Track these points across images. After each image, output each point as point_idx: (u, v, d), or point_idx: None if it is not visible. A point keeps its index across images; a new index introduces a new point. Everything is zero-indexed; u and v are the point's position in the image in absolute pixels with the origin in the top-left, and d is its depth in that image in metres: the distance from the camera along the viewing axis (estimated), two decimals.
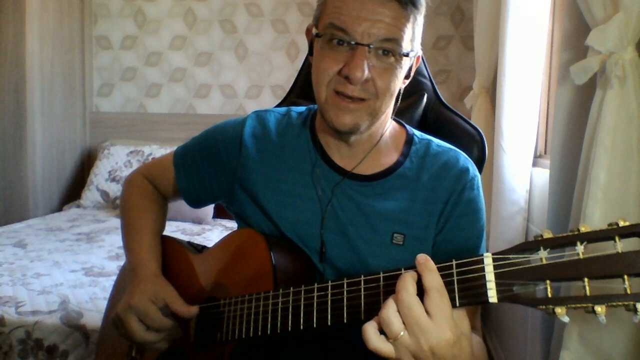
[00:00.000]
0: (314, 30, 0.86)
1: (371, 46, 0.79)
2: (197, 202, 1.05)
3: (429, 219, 0.88)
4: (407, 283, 0.62)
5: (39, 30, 3.01)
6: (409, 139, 0.95)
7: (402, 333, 0.61)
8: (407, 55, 0.82)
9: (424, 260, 0.63)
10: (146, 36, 3.47)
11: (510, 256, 0.60)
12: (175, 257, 1.03)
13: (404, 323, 0.61)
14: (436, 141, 0.95)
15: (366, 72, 0.79)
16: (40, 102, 3.05)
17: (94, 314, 1.52)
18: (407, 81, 0.90)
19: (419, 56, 0.90)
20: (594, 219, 0.89)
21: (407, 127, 0.98)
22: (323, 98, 0.85)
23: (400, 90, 0.90)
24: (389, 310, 0.61)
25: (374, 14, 0.79)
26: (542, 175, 1.66)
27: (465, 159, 0.93)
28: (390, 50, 0.80)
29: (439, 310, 0.61)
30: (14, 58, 2.92)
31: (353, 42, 0.79)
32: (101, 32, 3.51)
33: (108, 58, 3.52)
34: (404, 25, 0.80)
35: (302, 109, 1.01)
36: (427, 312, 0.60)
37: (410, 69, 0.88)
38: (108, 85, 3.54)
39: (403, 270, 0.68)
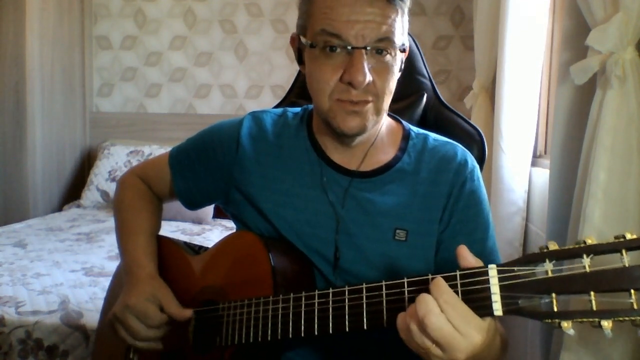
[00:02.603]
0: (303, 40, 0.85)
1: (368, 48, 0.79)
2: (193, 204, 1.05)
3: (430, 213, 0.88)
4: (433, 308, 0.61)
5: (39, 30, 3.00)
6: (406, 134, 0.95)
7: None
8: (403, 50, 0.83)
9: (434, 283, 0.63)
10: (146, 36, 3.47)
11: (515, 268, 0.60)
12: (171, 258, 1.03)
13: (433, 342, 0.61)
14: (433, 135, 0.96)
15: (368, 75, 0.79)
16: (40, 102, 3.05)
17: (94, 314, 1.51)
18: (399, 74, 0.90)
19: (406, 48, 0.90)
20: (594, 218, 0.89)
21: (404, 122, 0.98)
22: (326, 107, 0.84)
23: None
24: (417, 337, 0.62)
25: (365, 14, 0.78)
26: (543, 175, 1.66)
27: (463, 151, 0.93)
28: (386, 48, 0.80)
29: (464, 324, 0.61)
30: (14, 58, 2.92)
31: (349, 47, 0.79)
32: (101, 32, 3.51)
33: (108, 58, 3.52)
34: (394, 20, 0.80)
35: (298, 109, 1.01)
36: (452, 325, 0.61)
37: (401, 62, 0.88)
38: (108, 85, 3.53)
39: (405, 279, 0.68)
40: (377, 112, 0.85)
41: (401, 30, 0.82)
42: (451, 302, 0.61)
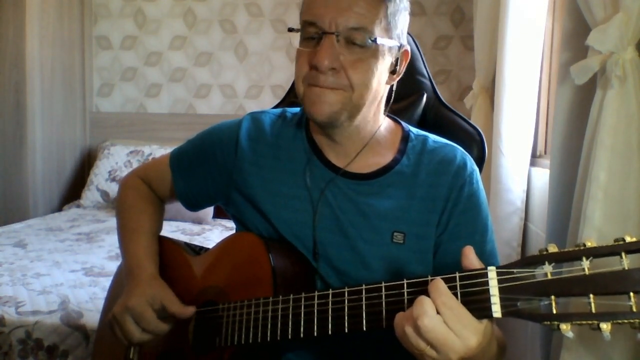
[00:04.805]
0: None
1: (338, 34, 0.79)
2: (193, 205, 1.05)
3: (429, 216, 0.88)
4: (428, 310, 0.61)
5: (39, 30, 3.00)
6: (405, 136, 0.94)
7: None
8: (374, 41, 0.80)
9: (432, 284, 0.63)
10: (146, 36, 3.46)
11: (515, 270, 0.60)
12: (172, 259, 1.03)
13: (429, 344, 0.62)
14: (432, 137, 0.95)
15: (332, 58, 0.79)
16: (40, 102, 3.05)
17: (94, 314, 1.51)
18: (397, 77, 0.89)
19: (407, 51, 0.89)
20: (594, 219, 0.89)
21: (403, 124, 0.97)
22: (301, 93, 0.85)
23: (392, 87, 0.89)
24: (412, 338, 0.62)
25: (342, 2, 0.79)
26: (543, 175, 1.66)
27: (462, 154, 0.92)
28: (361, 39, 0.79)
29: (460, 326, 0.61)
30: (14, 58, 2.92)
31: (321, 32, 0.80)
32: (101, 32, 3.51)
33: (108, 58, 3.51)
34: (375, 15, 0.79)
35: (296, 109, 1.01)
36: (447, 326, 0.61)
37: (397, 63, 0.87)
38: (108, 85, 3.53)
39: (405, 281, 0.69)
40: (350, 104, 0.83)
41: (385, 25, 0.81)
42: (449, 303, 0.61)
